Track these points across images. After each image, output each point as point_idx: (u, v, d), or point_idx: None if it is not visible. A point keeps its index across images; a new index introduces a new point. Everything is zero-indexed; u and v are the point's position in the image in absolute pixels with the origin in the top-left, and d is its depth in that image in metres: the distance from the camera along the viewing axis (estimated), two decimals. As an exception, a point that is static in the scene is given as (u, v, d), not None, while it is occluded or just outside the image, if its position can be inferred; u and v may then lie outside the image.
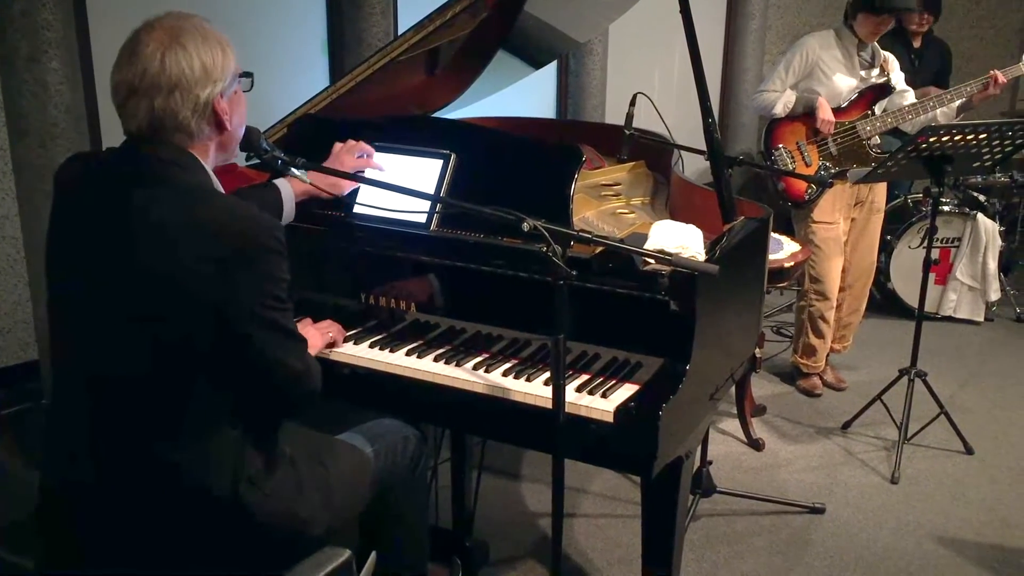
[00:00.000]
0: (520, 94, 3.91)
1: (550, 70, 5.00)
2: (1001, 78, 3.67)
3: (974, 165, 3.40)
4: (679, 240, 2.01)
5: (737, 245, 2.19)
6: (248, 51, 3.64)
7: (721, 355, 2.22)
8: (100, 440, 1.63)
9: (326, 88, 2.68)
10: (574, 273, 1.72)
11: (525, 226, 1.73)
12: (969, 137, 3.16)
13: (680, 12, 2.33)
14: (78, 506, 1.67)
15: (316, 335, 2.11)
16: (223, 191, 1.72)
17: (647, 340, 2.00)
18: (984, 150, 3.26)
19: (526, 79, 3.42)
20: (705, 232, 2.27)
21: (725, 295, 2.16)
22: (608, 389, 1.96)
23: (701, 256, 1.99)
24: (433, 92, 3.07)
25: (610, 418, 1.88)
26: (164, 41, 1.59)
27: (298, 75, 3.83)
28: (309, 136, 2.51)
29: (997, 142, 3.22)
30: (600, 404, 1.91)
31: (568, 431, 1.83)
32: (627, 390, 1.96)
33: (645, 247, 2.00)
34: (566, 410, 1.85)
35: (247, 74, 1.74)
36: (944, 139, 3.14)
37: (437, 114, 3.08)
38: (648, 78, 5.31)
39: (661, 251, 1.94)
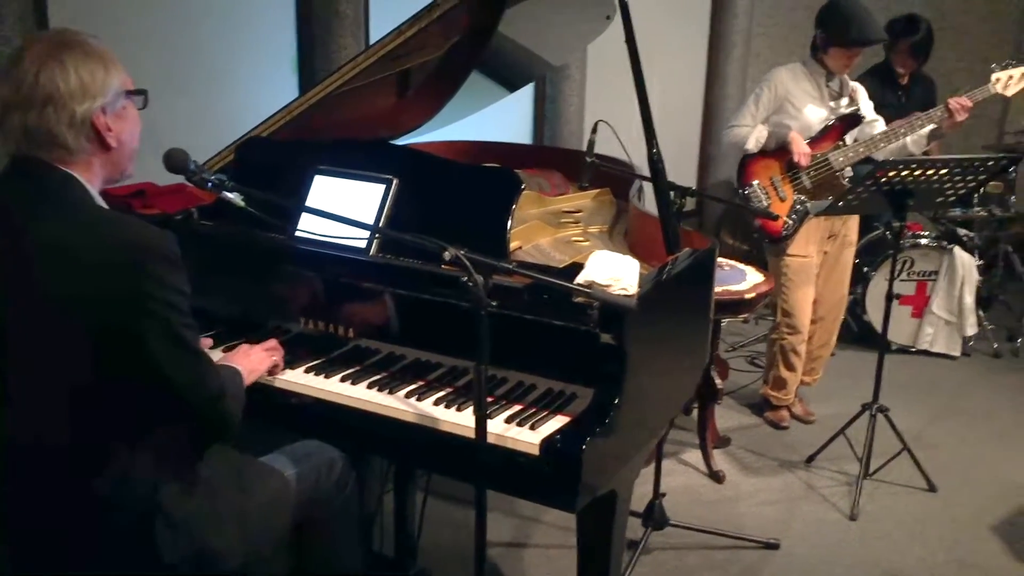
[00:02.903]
0: (497, 120, 3.91)
1: (527, 96, 5.00)
2: (961, 104, 3.60)
3: (936, 200, 3.38)
4: (612, 272, 1.98)
5: (675, 277, 2.16)
6: (216, 70, 3.67)
7: (659, 387, 2.19)
8: (14, 469, 1.61)
9: (280, 110, 2.67)
10: (493, 303, 1.70)
11: (446, 255, 1.72)
12: (929, 172, 3.14)
13: (626, 42, 2.33)
14: None
15: (261, 356, 2.06)
16: (101, 205, 1.69)
17: (581, 372, 1.98)
18: (946, 185, 3.25)
19: (502, 104, 3.41)
20: (655, 263, 2.26)
21: (662, 327, 2.14)
22: (538, 421, 1.93)
23: (633, 289, 1.97)
24: (404, 115, 3.05)
25: (536, 451, 1.85)
26: (42, 56, 1.57)
27: (268, 97, 3.81)
28: (257, 159, 2.50)
29: (959, 177, 3.21)
30: (527, 436, 1.88)
31: (494, 463, 1.81)
32: (557, 422, 1.93)
33: (578, 277, 1.99)
34: (492, 441, 1.83)
35: (140, 91, 1.71)
36: (904, 173, 3.12)
37: (409, 136, 3.07)
38: (627, 105, 5.27)
39: (591, 283, 1.92)
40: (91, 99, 1.59)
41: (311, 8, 3.88)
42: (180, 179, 2.60)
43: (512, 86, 3.37)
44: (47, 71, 1.56)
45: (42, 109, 1.56)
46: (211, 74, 3.67)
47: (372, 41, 3.98)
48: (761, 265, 3.71)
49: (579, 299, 1.93)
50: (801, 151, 3.73)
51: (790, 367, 4.02)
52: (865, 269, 4.94)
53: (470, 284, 1.67)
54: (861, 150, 3.75)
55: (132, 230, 1.57)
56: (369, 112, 2.95)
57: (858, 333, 5.09)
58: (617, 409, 1.88)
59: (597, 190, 3.22)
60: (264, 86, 3.84)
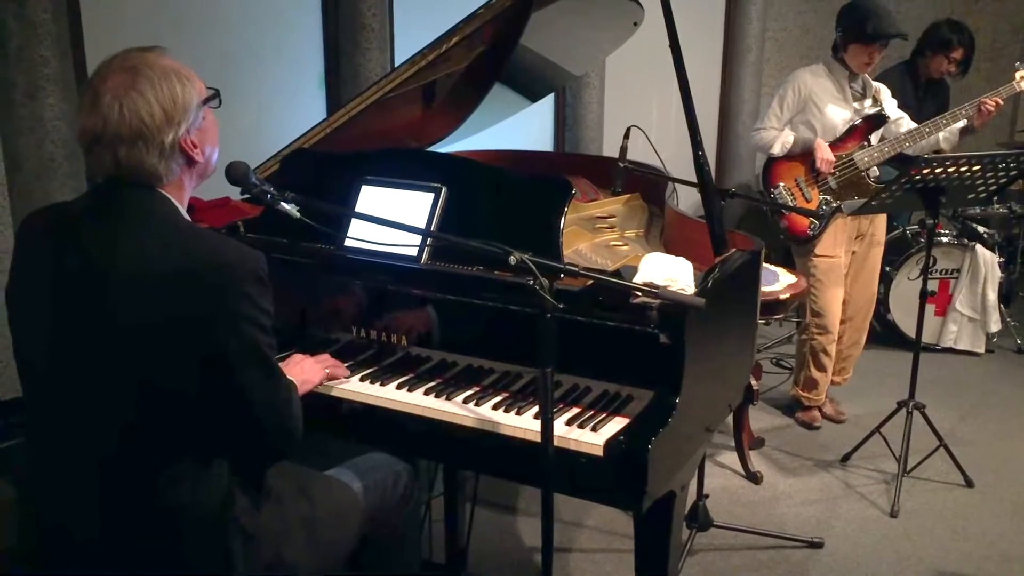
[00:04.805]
0: (517, 127, 3.94)
1: (547, 103, 5.02)
2: (990, 103, 3.64)
3: (968, 197, 3.40)
4: (668, 273, 2.00)
5: (728, 278, 2.18)
6: (244, 85, 3.70)
7: (714, 387, 2.21)
8: (88, 491, 1.62)
9: (321, 122, 2.70)
10: (561, 306, 1.71)
11: (512, 259, 1.73)
12: (963, 169, 3.16)
13: (669, 46, 2.35)
14: (68, 557, 1.65)
15: (314, 369, 2.06)
16: (191, 222, 1.70)
17: (638, 373, 1.99)
18: (978, 182, 3.27)
19: (523, 112, 3.44)
20: (698, 264, 2.27)
21: (716, 327, 2.15)
22: (599, 423, 1.94)
23: (691, 289, 1.99)
24: (430, 125, 3.09)
25: (600, 452, 1.86)
26: (121, 88, 1.56)
27: (295, 110, 3.85)
28: (302, 171, 2.52)
29: (991, 174, 3.22)
30: (590, 438, 1.89)
31: (558, 465, 1.82)
32: (617, 423, 1.94)
33: (634, 280, 2.00)
34: (555, 444, 1.84)
35: (213, 93, 1.71)
36: (938, 171, 3.14)
37: (434, 147, 3.09)
38: (646, 110, 5.33)
39: (650, 284, 1.94)
40: (176, 125, 1.60)
41: (337, 22, 3.91)
42: (224, 194, 2.66)
43: (534, 96, 3.40)
44: (129, 104, 1.55)
45: (132, 144, 1.56)
46: (240, 89, 3.70)
47: (397, 54, 4.04)
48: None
49: (637, 301, 1.95)
50: (824, 158, 3.75)
51: (821, 367, 4.04)
52: (887, 269, 4.95)
53: (537, 288, 1.69)
54: (886, 149, 3.78)
55: (226, 249, 1.57)
56: (396, 123, 2.97)
57: (881, 332, 5.09)
58: (677, 409, 1.90)
59: (628, 195, 3.24)
60: (292, 100, 3.87)
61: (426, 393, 2.10)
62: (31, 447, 1.70)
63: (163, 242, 1.57)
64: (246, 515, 1.70)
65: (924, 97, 4.83)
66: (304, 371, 2.02)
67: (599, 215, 3.10)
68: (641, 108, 5.31)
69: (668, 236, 2.88)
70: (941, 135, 3.78)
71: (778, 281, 3.38)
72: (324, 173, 2.47)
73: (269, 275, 1.64)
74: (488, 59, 2.78)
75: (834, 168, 3.79)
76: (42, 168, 3.05)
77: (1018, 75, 3.69)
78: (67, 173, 3.09)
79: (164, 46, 1.69)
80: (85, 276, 1.57)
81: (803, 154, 3.84)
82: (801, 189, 3.85)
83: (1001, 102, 3.64)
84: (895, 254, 5.01)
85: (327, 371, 2.10)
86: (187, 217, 1.68)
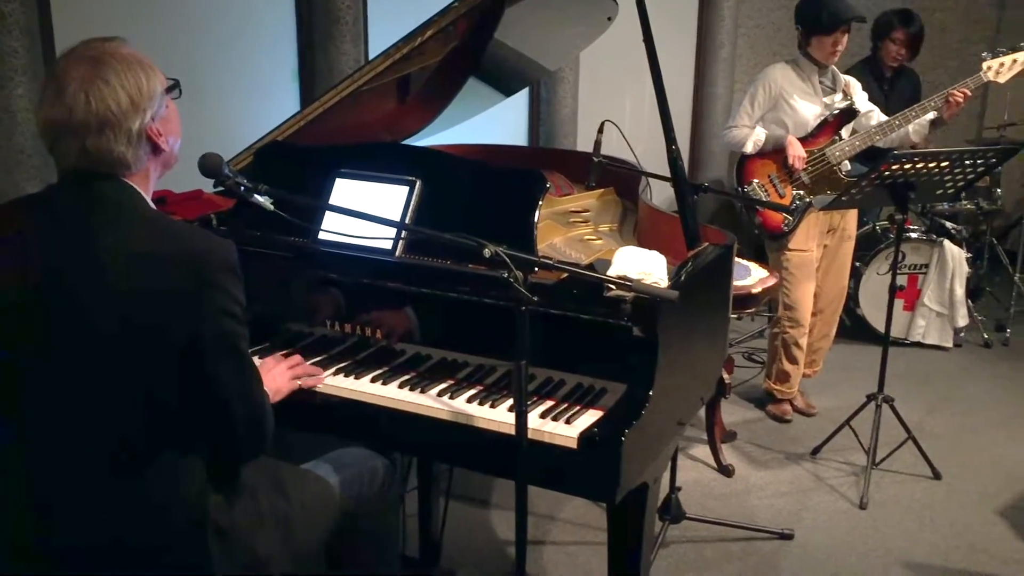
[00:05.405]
0: (492, 122, 3.94)
1: (522, 98, 5.04)
2: (958, 94, 3.69)
3: (937, 192, 3.45)
4: (642, 266, 2.02)
5: (701, 271, 2.20)
6: (218, 78, 3.68)
7: (686, 380, 2.22)
8: (73, 489, 1.60)
9: (294, 115, 2.69)
10: (535, 299, 1.72)
11: (486, 252, 1.74)
12: (931, 165, 3.20)
13: (643, 42, 2.36)
14: (51, 556, 1.63)
15: (284, 378, 2.04)
16: (161, 212, 1.70)
17: (611, 366, 2.00)
18: (946, 178, 3.31)
19: (498, 107, 3.44)
20: (671, 258, 2.29)
21: (689, 321, 2.17)
22: (572, 415, 1.95)
23: (664, 282, 2.00)
24: (405, 119, 3.08)
25: (574, 444, 1.88)
26: (86, 78, 1.55)
27: (269, 103, 3.84)
28: (276, 163, 2.51)
29: (959, 170, 3.27)
30: (564, 430, 1.90)
31: (532, 458, 1.83)
32: (591, 416, 1.95)
33: (608, 273, 2.01)
34: (530, 436, 1.85)
35: (173, 84, 1.70)
36: (907, 167, 3.18)
37: (408, 141, 3.09)
38: (619, 105, 5.36)
39: (623, 277, 1.95)
40: (142, 113, 1.59)
41: (311, 15, 3.89)
42: (196, 186, 2.65)
43: (508, 91, 3.40)
44: (95, 93, 1.54)
45: (99, 133, 1.55)
46: (213, 81, 3.68)
47: (371, 47, 4.03)
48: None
49: (611, 294, 1.96)
50: (796, 155, 3.79)
51: (792, 360, 4.08)
52: (857, 264, 5.00)
53: (512, 281, 1.69)
54: (857, 143, 3.82)
55: (198, 239, 1.57)
56: (371, 117, 2.97)
57: (851, 327, 5.15)
58: (650, 402, 1.91)
59: (601, 189, 3.26)
60: (266, 93, 3.86)
61: (401, 386, 2.10)
62: (14, 445, 1.68)
63: (136, 233, 1.56)
64: (219, 511, 1.70)
65: (890, 90, 4.89)
66: (275, 380, 2.01)
67: (573, 209, 3.11)
68: (615, 103, 5.34)
69: (641, 230, 2.90)
70: (911, 127, 3.83)
71: (750, 275, 3.41)
72: (298, 166, 2.46)
73: (241, 267, 1.63)
74: (462, 53, 2.78)
75: (806, 163, 3.83)
76: (12, 160, 3.02)
77: (985, 65, 3.73)
78: (37, 165, 3.06)
79: (125, 37, 1.68)
80: (62, 270, 1.55)
81: (775, 151, 3.88)
82: (774, 185, 3.88)
83: (969, 93, 3.68)
84: (865, 249, 5.07)
85: (299, 382, 2.08)
86: (154, 207, 1.67)
